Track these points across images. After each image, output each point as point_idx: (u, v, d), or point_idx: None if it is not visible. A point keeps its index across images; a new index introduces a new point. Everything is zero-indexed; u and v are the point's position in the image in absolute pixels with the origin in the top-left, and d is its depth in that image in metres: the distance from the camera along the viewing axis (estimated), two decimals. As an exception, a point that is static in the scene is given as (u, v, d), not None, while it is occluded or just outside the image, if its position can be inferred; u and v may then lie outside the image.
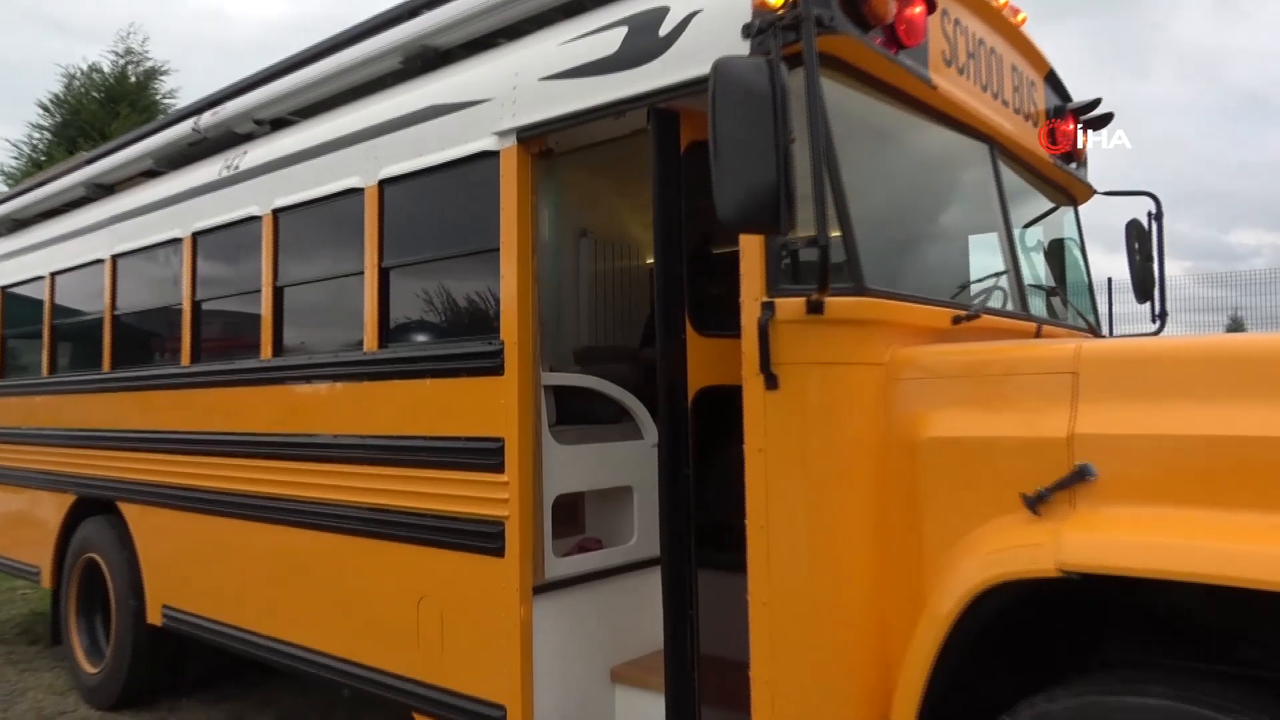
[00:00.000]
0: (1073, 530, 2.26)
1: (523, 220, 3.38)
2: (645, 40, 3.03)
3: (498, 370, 3.38)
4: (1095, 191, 4.69)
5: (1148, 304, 4.84)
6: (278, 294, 4.44)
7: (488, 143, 3.46)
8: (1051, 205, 4.41)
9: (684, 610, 3.00)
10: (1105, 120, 4.44)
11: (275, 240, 4.45)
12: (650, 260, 6.73)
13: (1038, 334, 3.36)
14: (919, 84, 3.08)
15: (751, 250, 2.73)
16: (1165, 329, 4.82)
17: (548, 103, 3.28)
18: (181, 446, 4.97)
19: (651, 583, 3.86)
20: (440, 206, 3.77)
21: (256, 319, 4.51)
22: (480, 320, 3.59)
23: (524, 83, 3.39)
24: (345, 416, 4.03)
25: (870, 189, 3.03)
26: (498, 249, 3.42)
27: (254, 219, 4.56)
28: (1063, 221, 4.62)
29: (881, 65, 2.92)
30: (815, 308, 2.61)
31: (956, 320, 3.01)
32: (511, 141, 3.39)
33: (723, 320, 3.25)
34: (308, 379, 4.24)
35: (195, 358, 5.00)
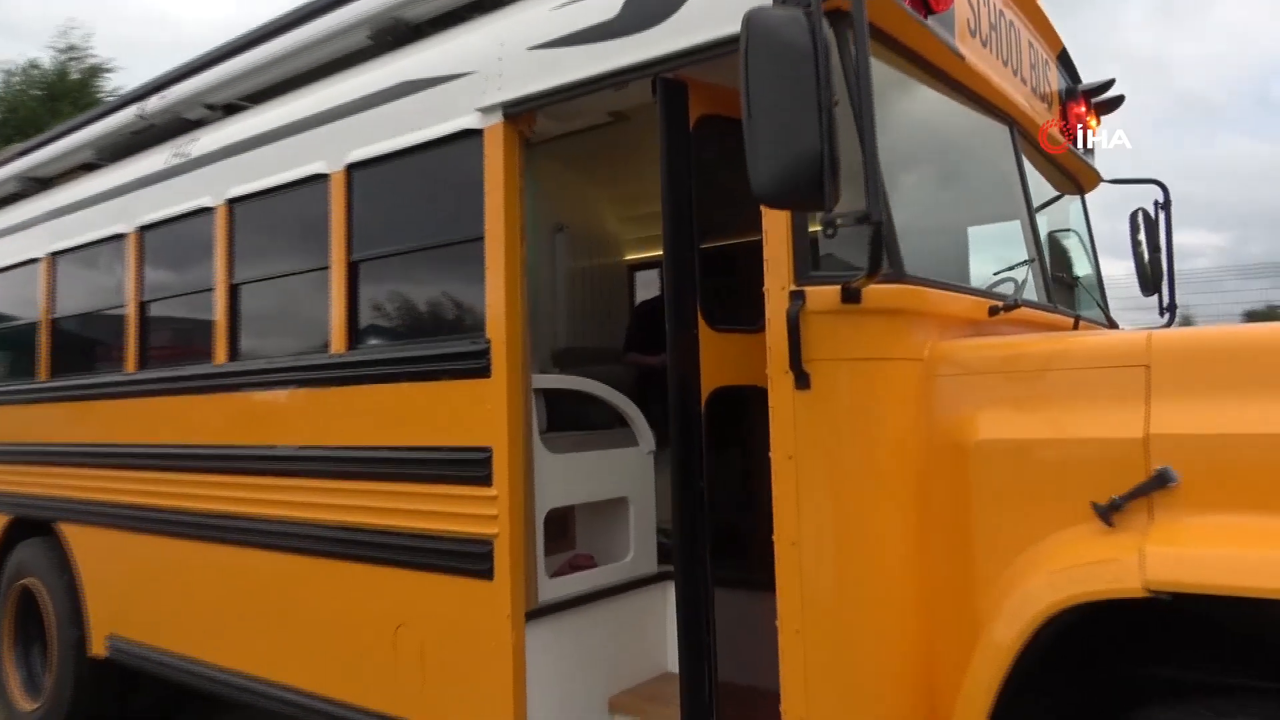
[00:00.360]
0: (1157, 544, 1.99)
1: (510, 205, 3.05)
2: (650, 2, 2.72)
3: (483, 372, 3.05)
4: (1102, 179, 4.48)
5: (1154, 297, 4.64)
6: (233, 292, 4.05)
7: (469, 120, 3.12)
8: (1056, 193, 4.19)
9: (700, 637, 2.69)
10: (1117, 103, 4.23)
11: (230, 233, 4.06)
12: (630, 256, 6.44)
13: (1076, 326, 3.11)
14: (947, 54, 2.81)
15: (777, 233, 2.44)
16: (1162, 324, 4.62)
17: (538, 74, 2.96)
18: (127, 461, 4.55)
19: (650, 602, 3.55)
20: (415, 192, 3.43)
21: (209, 320, 4.11)
22: (463, 317, 3.25)
23: (510, 53, 3.06)
24: (310, 426, 3.66)
25: (896, 166, 2.75)
26: (481, 237, 3.08)
27: (206, 211, 4.16)
28: (1069, 210, 4.40)
29: (910, 30, 2.65)
30: (852, 296, 2.32)
31: (994, 311, 2.75)
32: (497, 118, 3.06)
33: (738, 314, 2.96)
34: (267, 385, 3.86)
35: (142, 364, 4.57)
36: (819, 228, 2.12)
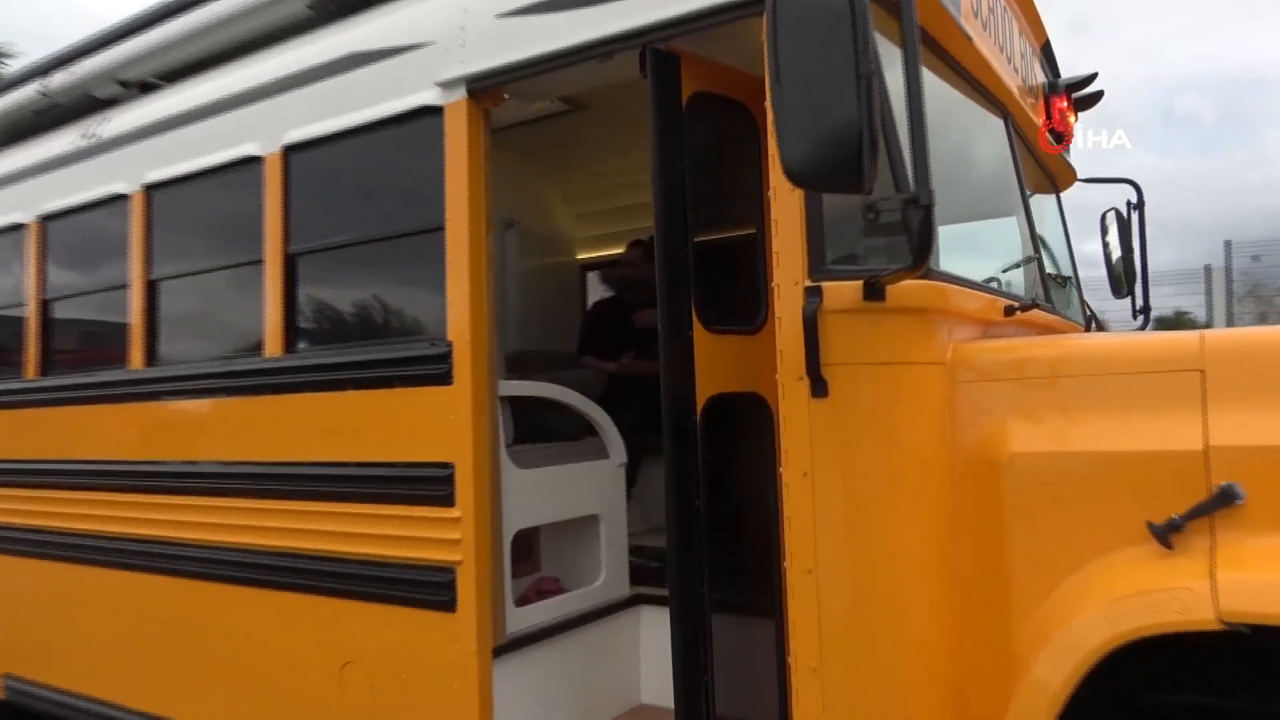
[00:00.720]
0: (1228, 570, 1.78)
1: (475, 191, 2.72)
2: (639, -38, 2.43)
3: (444, 378, 2.71)
4: (1077, 178, 4.35)
5: (1126, 300, 4.53)
6: (151, 289, 3.62)
7: (428, 96, 2.79)
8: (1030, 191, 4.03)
9: (698, 674, 2.41)
10: (1095, 99, 4.10)
11: (147, 223, 3.62)
12: (583, 256, 6.13)
13: (1090, 326, 2.93)
14: (955, 33, 2.59)
15: (789, 221, 2.17)
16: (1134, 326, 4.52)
17: (509, 44, 2.64)
18: (26, 479, 4.06)
19: (623, 629, 3.26)
20: (363, 177, 3.07)
21: (124, 321, 3.67)
22: (420, 318, 2.90)
23: (476, 21, 2.73)
24: (240, 439, 3.26)
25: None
26: (442, 227, 2.75)
27: (120, 198, 3.72)
28: (1044, 208, 4.25)
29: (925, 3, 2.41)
30: (875, 293, 2.07)
31: (1009, 312, 2.54)
32: (460, 94, 2.73)
33: (734, 313, 2.69)
34: (191, 393, 3.44)
35: (45, 369, 4.09)
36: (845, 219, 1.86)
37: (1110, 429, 2.01)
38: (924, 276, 2.12)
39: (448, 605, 2.67)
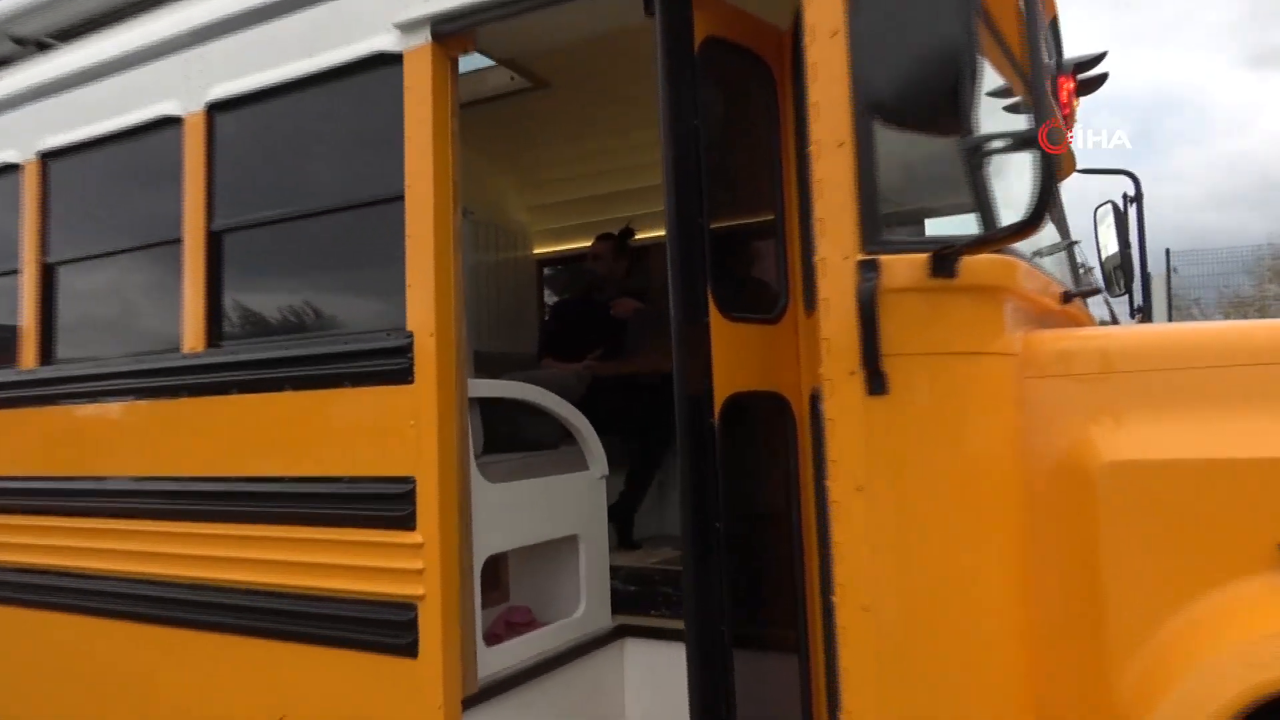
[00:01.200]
0: (1398, 603, 1.46)
1: (440, 153, 2.29)
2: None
3: (404, 376, 2.27)
4: (1075, 168, 4.08)
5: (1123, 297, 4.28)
6: (47, 274, 3.08)
7: (385, 41, 2.34)
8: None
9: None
10: (1100, 82, 3.84)
11: (43, 198, 3.09)
12: (540, 250, 5.70)
13: (1134, 315, 2.61)
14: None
15: (836, 182, 1.79)
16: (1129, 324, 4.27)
17: (484, -24, 2.22)
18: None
19: (606, 667, 2.84)
20: (305, 139, 2.60)
21: (13, 312, 3.13)
22: (374, 304, 2.45)
23: (442, -51, 2.30)
24: (155, 450, 2.76)
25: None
26: (400, 197, 2.31)
27: (10, 169, 3.18)
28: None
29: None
30: (944, 267, 1.71)
31: (1067, 297, 2.21)
32: (422, 38, 2.30)
33: (752, 299, 2.31)
34: (95, 396, 2.91)
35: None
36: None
37: (1228, 432, 1.67)
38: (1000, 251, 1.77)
39: (408, 649, 2.22)
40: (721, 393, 2.04)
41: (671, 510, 4.61)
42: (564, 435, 2.97)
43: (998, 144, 1.40)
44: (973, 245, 1.68)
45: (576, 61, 3.56)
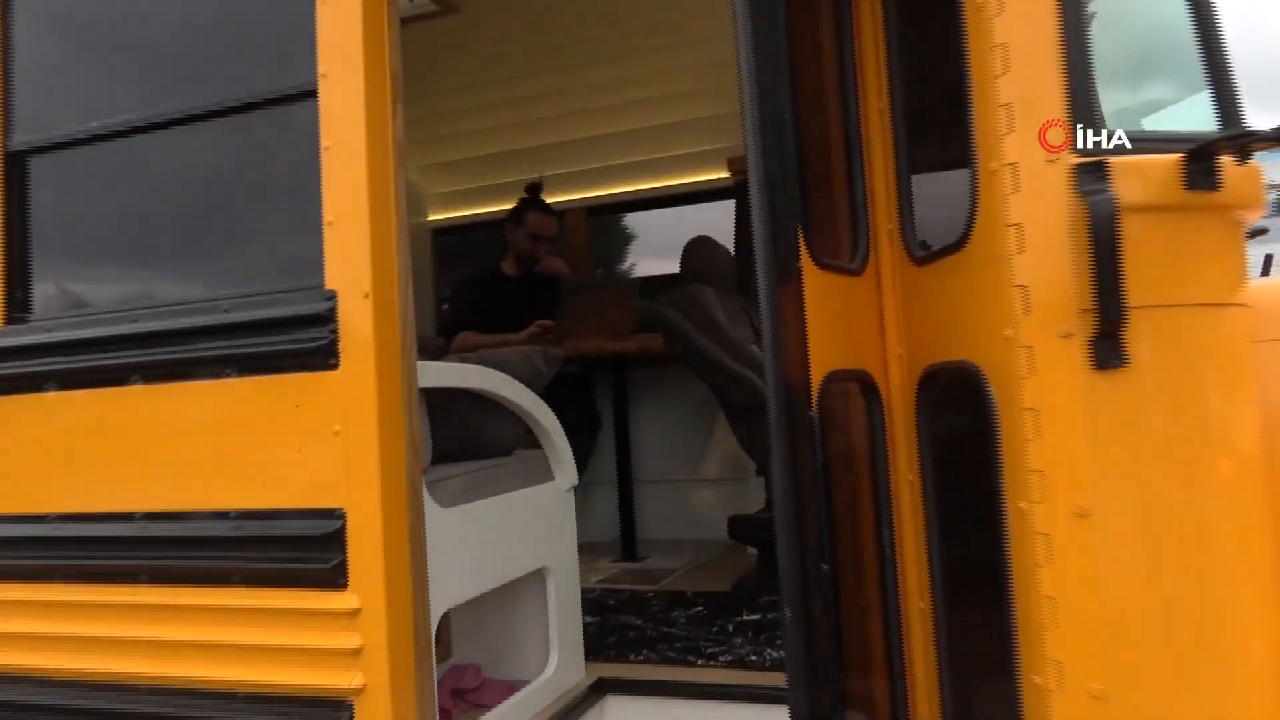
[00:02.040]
0: None
1: (373, 22, 1.54)
2: None
3: (323, 358, 1.51)
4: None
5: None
6: None
7: None
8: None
9: None
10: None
11: None
12: (435, 217, 4.90)
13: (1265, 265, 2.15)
14: None
15: (1035, 47, 1.17)
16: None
17: None
18: None
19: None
20: (151, 10, 1.78)
21: None
22: (273, 254, 1.67)
23: None
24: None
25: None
26: (312, 91, 1.55)
27: None
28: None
29: None
30: (1203, 175, 1.13)
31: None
32: None
33: (832, 243, 1.66)
34: None
35: None
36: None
37: None
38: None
39: (338, 769, 1.47)
40: (818, 371, 1.39)
41: (592, 514, 3.98)
42: (530, 439, 2.26)
43: None
44: (1237, 141, 1.11)
45: None
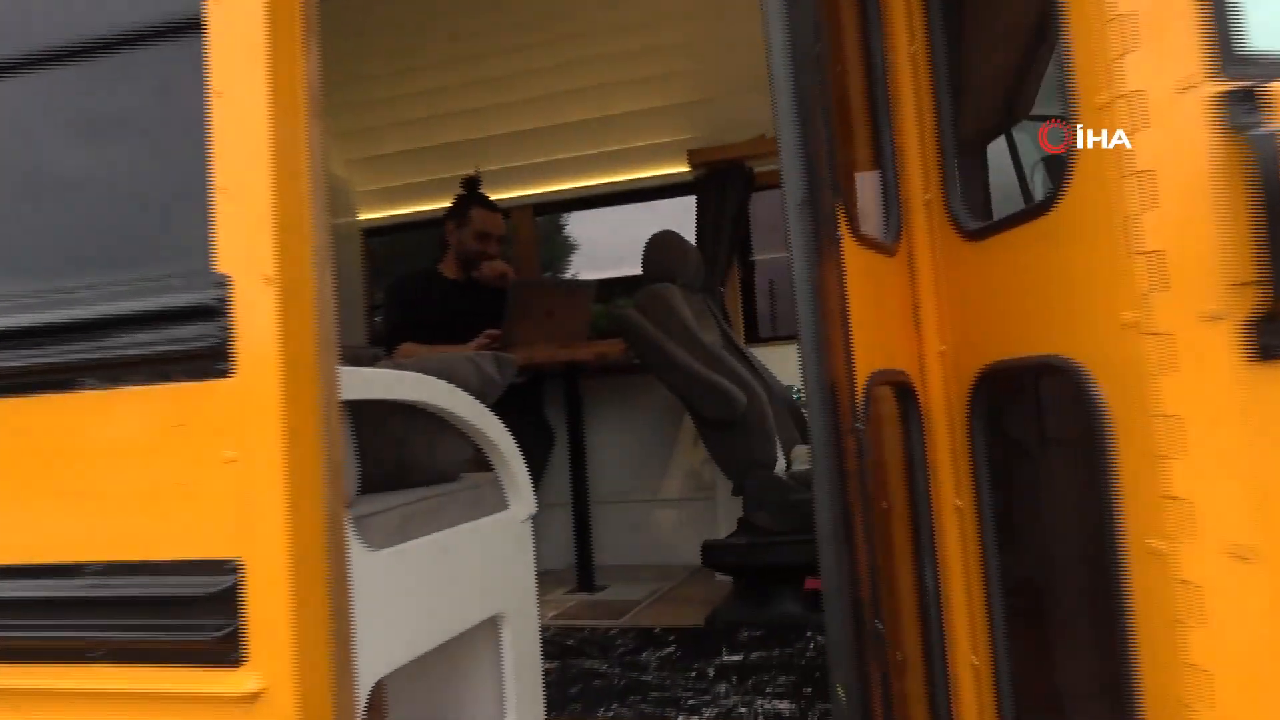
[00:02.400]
0: None
1: (280, -67, 1.20)
2: None
3: (213, 363, 1.16)
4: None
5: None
6: None
7: None
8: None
9: None
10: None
11: None
12: (368, 216, 4.53)
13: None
14: None
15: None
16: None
17: None
18: None
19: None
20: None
21: None
22: (146, 231, 1.30)
23: None
24: None
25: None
26: (196, 21, 1.20)
27: None
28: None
29: None
30: None
31: None
32: None
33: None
34: None
35: None
36: None
37: None
38: None
39: None
40: (865, 367, 1.09)
41: (544, 539, 3.63)
42: (479, 460, 1.92)
43: None
44: None
45: None
